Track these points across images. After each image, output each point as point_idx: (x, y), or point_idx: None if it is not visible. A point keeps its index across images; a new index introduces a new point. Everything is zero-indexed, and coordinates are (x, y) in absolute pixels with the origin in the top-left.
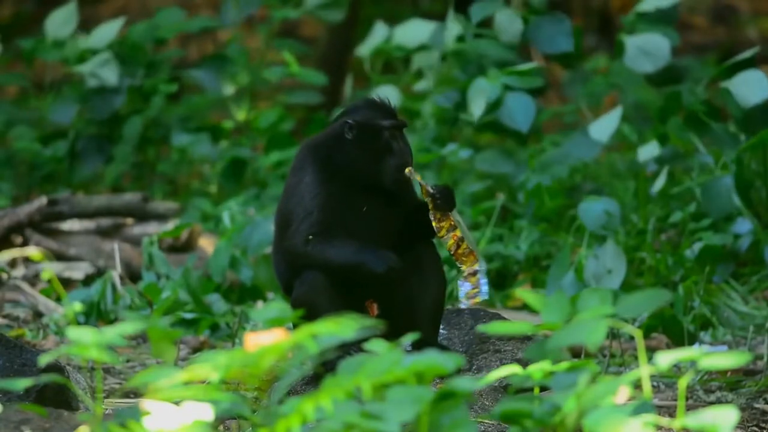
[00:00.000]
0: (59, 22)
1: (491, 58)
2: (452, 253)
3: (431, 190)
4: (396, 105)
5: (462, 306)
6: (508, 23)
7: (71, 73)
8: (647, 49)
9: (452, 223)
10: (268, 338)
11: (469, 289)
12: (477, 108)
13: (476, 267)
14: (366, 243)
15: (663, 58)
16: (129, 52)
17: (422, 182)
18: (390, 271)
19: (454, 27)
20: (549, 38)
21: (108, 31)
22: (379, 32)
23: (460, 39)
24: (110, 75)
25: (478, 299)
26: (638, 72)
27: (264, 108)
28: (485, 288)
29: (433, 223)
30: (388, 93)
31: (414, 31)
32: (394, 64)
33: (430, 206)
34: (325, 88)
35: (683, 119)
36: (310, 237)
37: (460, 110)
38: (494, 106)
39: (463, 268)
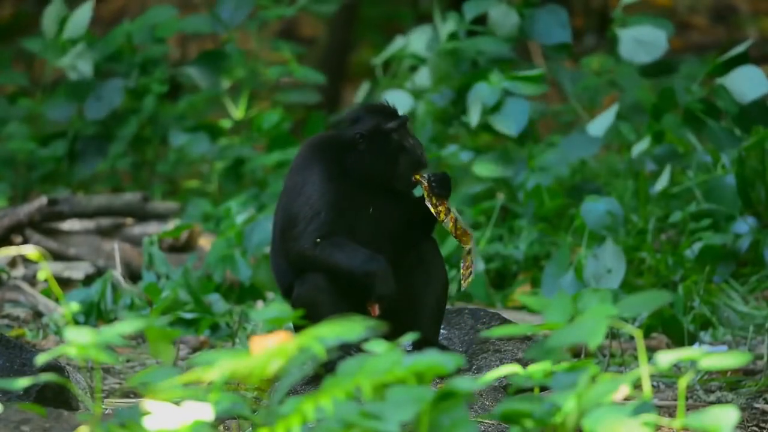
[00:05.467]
0: (52, 19)
1: (488, 55)
2: (454, 235)
3: (428, 177)
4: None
5: (462, 289)
6: (503, 18)
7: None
8: (643, 40)
9: (447, 206)
10: (274, 341)
11: (463, 269)
12: (475, 114)
13: (470, 245)
14: (373, 250)
15: (659, 49)
16: (118, 50)
17: (418, 177)
18: (385, 296)
19: (448, 25)
20: (545, 30)
21: (81, 18)
22: (396, 44)
23: (453, 36)
24: (85, 67)
25: (470, 279)
26: (635, 63)
27: (261, 107)
28: (477, 263)
29: (431, 210)
30: (399, 98)
31: (426, 39)
32: (390, 63)
33: (426, 193)
34: (325, 88)
35: (681, 117)
36: (318, 240)
37: (456, 109)
38: (491, 109)
39: (466, 247)
